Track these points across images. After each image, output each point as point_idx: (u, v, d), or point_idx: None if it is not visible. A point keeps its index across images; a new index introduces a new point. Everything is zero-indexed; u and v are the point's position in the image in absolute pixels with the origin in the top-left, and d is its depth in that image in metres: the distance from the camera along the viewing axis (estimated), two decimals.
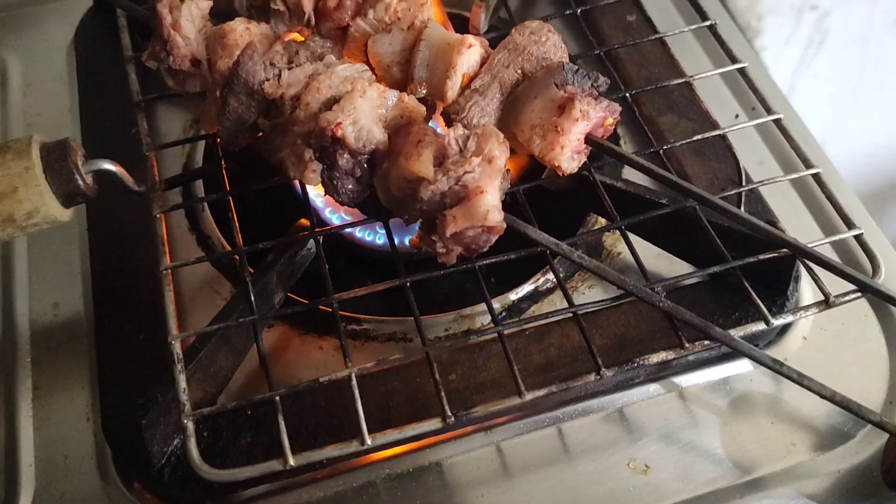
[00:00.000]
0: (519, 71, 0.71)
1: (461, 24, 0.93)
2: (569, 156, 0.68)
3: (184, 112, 0.90)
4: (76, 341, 0.76)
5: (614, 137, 0.89)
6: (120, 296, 0.75)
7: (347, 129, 0.63)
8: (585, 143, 0.70)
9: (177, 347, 0.63)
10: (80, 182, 0.67)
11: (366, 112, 0.64)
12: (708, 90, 0.85)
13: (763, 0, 1.69)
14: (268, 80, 0.66)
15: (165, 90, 0.74)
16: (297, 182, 0.75)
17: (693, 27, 0.85)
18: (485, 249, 0.64)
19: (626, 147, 0.88)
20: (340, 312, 0.66)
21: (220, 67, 0.67)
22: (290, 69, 0.67)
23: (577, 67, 0.69)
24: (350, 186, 0.66)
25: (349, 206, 0.69)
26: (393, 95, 0.66)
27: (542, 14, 0.99)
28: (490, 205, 0.62)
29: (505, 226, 0.63)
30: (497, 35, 0.84)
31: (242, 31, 0.68)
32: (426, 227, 0.65)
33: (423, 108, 0.68)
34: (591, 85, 0.70)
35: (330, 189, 0.66)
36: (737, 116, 0.91)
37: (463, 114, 0.69)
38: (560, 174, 0.69)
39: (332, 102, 0.65)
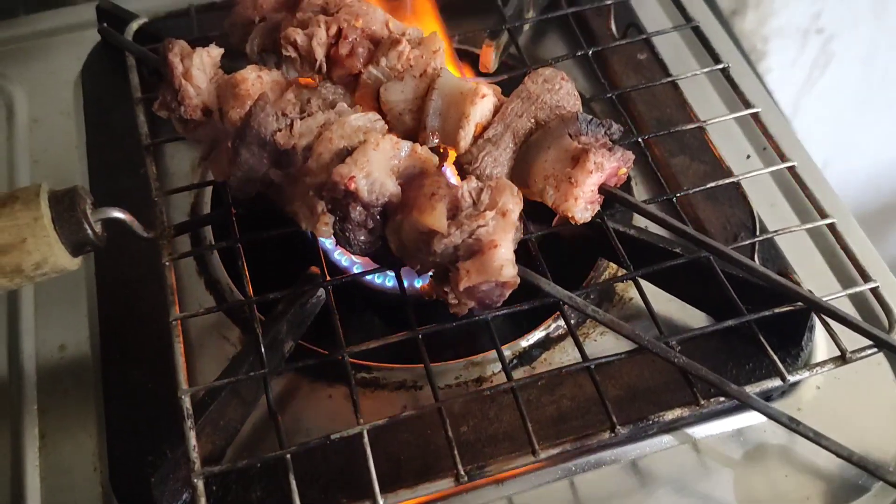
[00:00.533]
0: (532, 120, 0.70)
1: (472, 60, 0.93)
2: (582, 206, 0.68)
3: (191, 151, 0.90)
4: (83, 386, 0.75)
5: (626, 180, 0.88)
6: (128, 342, 0.75)
7: (361, 183, 0.62)
8: (598, 192, 0.69)
9: (187, 403, 0.63)
10: (90, 231, 0.66)
11: (379, 164, 0.64)
12: (719, 128, 0.85)
13: (769, 23, 1.69)
14: (279, 130, 0.65)
15: (174, 133, 0.73)
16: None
17: (706, 70, 0.84)
18: (498, 304, 0.63)
19: (639, 190, 0.87)
20: (350, 360, 0.65)
21: (232, 118, 0.66)
22: (301, 119, 0.66)
23: (590, 117, 0.68)
24: (362, 238, 0.65)
25: (361, 256, 0.68)
26: (406, 146, 0.66)
27: (552, 51, 1.00)
28: (504, 259, 0.61)
29: (518, 280, 0.62)
30: (509, 76, 0.84)
31: (254, 79, 0.67)
32: (438, 277, 0.65)
33: (435, 158, 0.67)
34: (605, 133, 0.70)
35: (342, 240, 0.65)
36: (748, 157, 0.90)
37: (476, 164, 0.69)
38: (573, 223, 0.68)
39: (344, 153, 0.64)
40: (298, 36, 0.70)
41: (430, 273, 0.65)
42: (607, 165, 0.68)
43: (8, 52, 1.00)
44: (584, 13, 0.93)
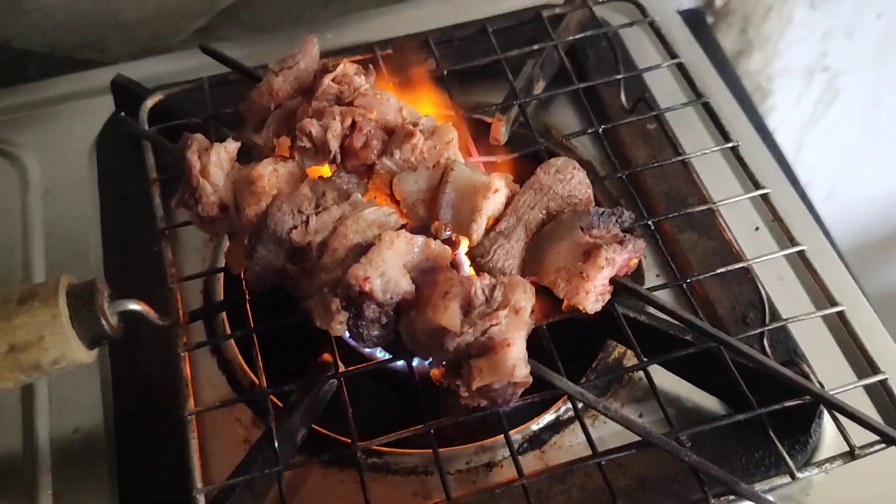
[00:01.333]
0: (544, 211, 0.71)
1: (485, 128, 0.93)
2: (593, 299, 0.69)
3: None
4: (97, 472, 0.75)
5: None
6: (142, 430, 0.75)
7: (375, 283, 0.63)
8: (609, 283, 0.70)
9: (201, 502, 0.63)
10: (106, 326, 0.67)
11: (393, 263, 0.64)
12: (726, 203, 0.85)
13: (774, 63, 1.69)
14: (295, 227, 0.66)
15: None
16: None
17: (717, 148, 0.84)
18: (510, 403, 0.64)
19: (648, 266, 0.88)
20: (363, 443, 0.66)
21: (249, 215, 0.67)
22: (317, 213, 0.67)
23: (602, 210, 0.69)
24: (376, 333, 0.66)
25: (373, 349, 0.69)
26: (419, 241, 0.66)
27: (563, 120, 1.00)
28: (516, 358, 0.62)
29: (531, 380, 0.63)
30: (520, 153, 0.84)
31: (270, 174, 0.68)
32: (451, 371, 0.65)
33: (448, 252, 0.68)
34: (616, 221, 0.70)
35: (356, 335, 0.66)
36: (757, 229, 0.91)
37: (488, 256, 0.69)
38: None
39: (359, 249, 0.65)
40: (314, 127, 0.71)
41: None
42: (618, 259, 0.68)
43: (20, 119, 1.01)
44: (595, 86, 0.94)
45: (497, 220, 0.70)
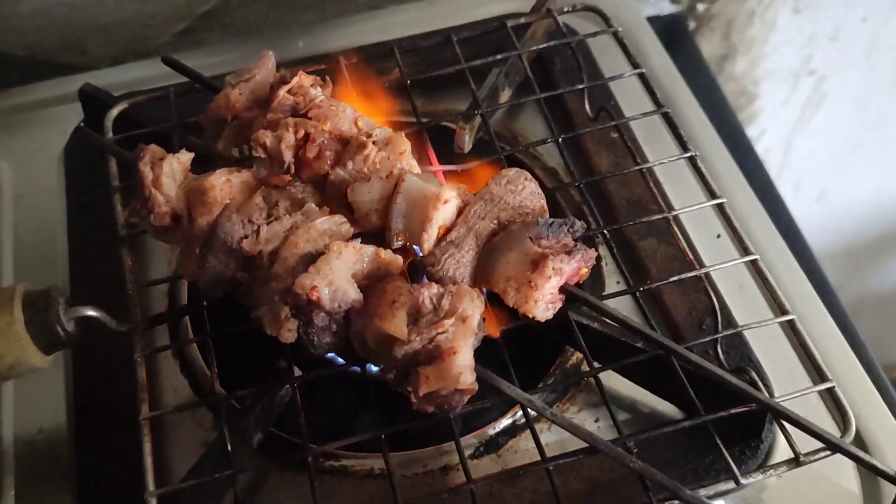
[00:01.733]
0: (495, 221, 0.72)
1: (450, 138, 0.93)
2: (543, 307, 0.69)
3: None
4: (58, 474, 0.77)
5: (596, 262, 0.90)
6: (102, 432, 0.77)
7: (323, 292, 0.64)
8: (560, 292, 0.71)
9: None
10: (62, 332, 0.68)
11: (341, 273, 0.65)
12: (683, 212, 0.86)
13: (760, 65, 1.70)
14: (246, 237, 0.67)
15: None
16: None
17: (674, 158, 0.85)
18: (456, 409, 0.65)
19: (607, 272, 0.89)
20: (314, 448, 0.67)
21: (200, 224, 0.68)
22: (268, 223, 0.68)
23: (551, 221, 0.70)
24: (327, 339, 0.67)
25: (325, 356, 0.70)
26: (369, 251, 0.68)
27: (528, 126, 1.01)
28: (462, 365, 0.63)
29: (476, 387, 0.64)
30: (479, 162, 0.85)
31: (223, 184, 0.69)
32: (399, 377, 0.66)
33: (399, 260, 0.69)
34: (567, 231, 0.71)
35: (307, 342, 0.67)
36: (719, 236, 0.91)
37: (439, 265, 0.70)
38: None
39: (308, 258, 0.66)
40: (268, 139, 0.72)
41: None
42: (566, 269, 0.69)
43: None
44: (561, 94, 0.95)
45: (448, 230, 0.71)
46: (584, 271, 0.71)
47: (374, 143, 0.72)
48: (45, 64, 1.19)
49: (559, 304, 0.71)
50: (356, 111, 0.75)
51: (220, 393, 0.71)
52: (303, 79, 0.74)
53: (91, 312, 0.70)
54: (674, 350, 0.71)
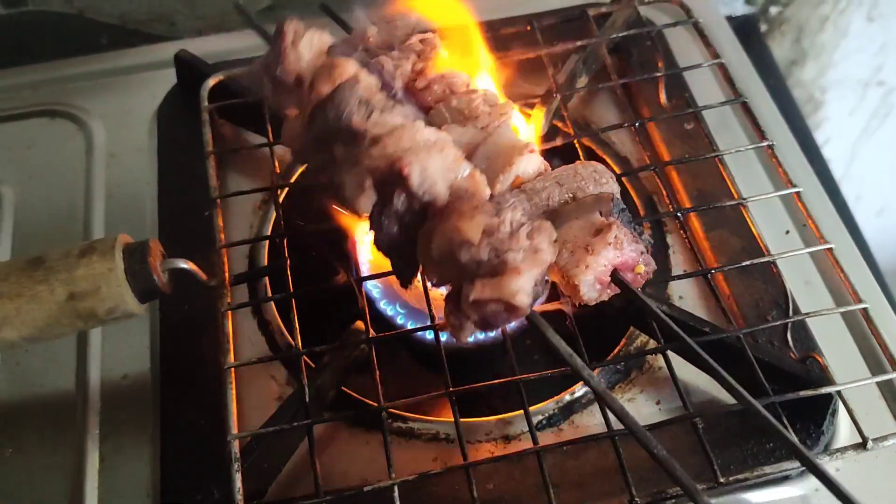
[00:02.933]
0: (570, 195, 0.72)
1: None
2: (591, 280, 0.67)
3: (252, 200, 0.96)
4: (141, 417, 0.81)
5: (663, 247, 0.92)
6: (185, 380, 0.81)
7: (414, 170, 0.64)
8: (613, 281, 0.70)
9: (235, 447, 0.68)
10: (157, 282, 0.72)
11: (437, 166, 0.65)
12: (761, 202, 0.86)
13: (828, 74, 1.69)
14: (356, 114, 0.68)
15: (241, 187, 0.78)
16: (354, 282, 0.79)
17: (751, 146, 0.86)
18: (497, 328, 0.65)
19: (674, 260, 0.90)
20: (386, 404, 0.70)
21: (320, 91, 0.69)
22: (380, 112, 0.69)
23: (624, 207, 0.71)
24: (394, 230, 0.66)
25: (384, 253, 0.69)
26: (467, 167, 0.67)
27: (602, 114, 1.03)
28: (522, 287, 0.62)
29: (528, 311, 0.63)
30: (562, 142, 0.87)
31: (353, 71, 0.70)
32: (452, 298, 0.66)
33: (487, 190, 0.68)
34: (634, 228, 0.71)
35: (375, 225, 0.67)
36: (787, 232, 0.92)
37: (506, 204, 0.70)
38: (575, 300, 0.69)
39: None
40: (388, 64, 0.74)
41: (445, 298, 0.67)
42: (627, 247, 0.68)
43: (89, 87, 1.07)
44: (636, 82, 0.97)
45: (523, 183, 0.72)
46: (641, 268, 0.70)
47: (483, 99, 0.73)
48: (134, 33, 1.24)
49: (606, 293, 0.69)
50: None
51: (298, 348, 0.74)
52: (435, 37, 0.77)
53: (184, 265, 0.74)
54: (743, 335, 0.72)
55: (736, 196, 0.84)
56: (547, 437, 0.80)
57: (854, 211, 1.13)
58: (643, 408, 0.82)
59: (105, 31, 1.21)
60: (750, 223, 0.82)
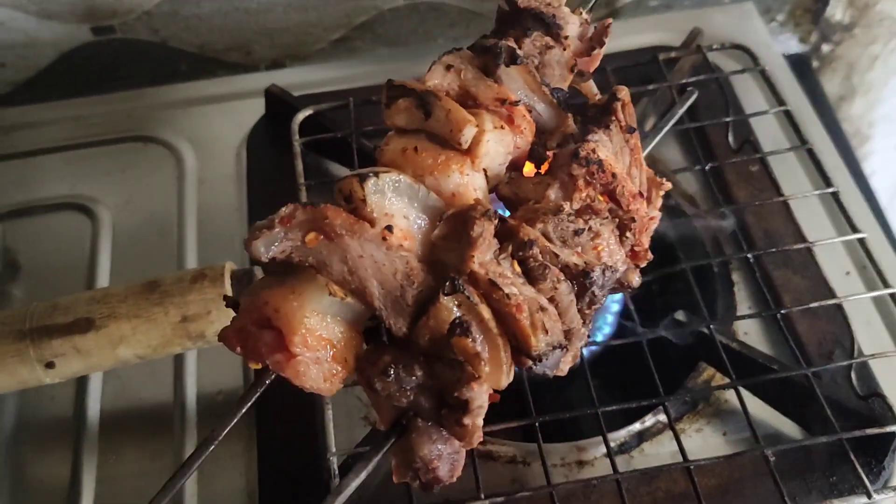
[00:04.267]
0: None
1: None
2: None
3: None
4: (236, 430, 0.85)
5: (729, 284, 0.96)
6: (278, 397, 0.85)
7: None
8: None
9: (335, 463, 0.73)
10: None
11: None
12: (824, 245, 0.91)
13: (876, 109, 1.72)
14: None
15: None
16: None
17: (817, 192, 0.91)
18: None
19: (740, 297, 0.94)
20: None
21: None
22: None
23: None
24: None
25: None
26: None
27: (670, 154, 1.07)
28: None
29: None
30: None
31: None
32: None
33: None
34: None
35: None
36: (847, 273, 0.96)
37: None
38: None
39: None
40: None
41: None
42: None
43: (179, 115, 1.13)
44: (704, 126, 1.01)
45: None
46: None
47: None
48: (212, 60, 1.30)
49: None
50: None
51: None
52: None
53: None
54: (811, 373, 0.76)
55: (803, 238, 0.88)
56: (619, 463, 0.84)
57: None
58: (710, 438, 0.86)
59: (184, 59, 1.28)
60: (817, 264, 0.86)
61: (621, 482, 0.72)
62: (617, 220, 0.66)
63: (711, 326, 0.82)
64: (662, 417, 0.86)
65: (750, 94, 1.09)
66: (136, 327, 0.76)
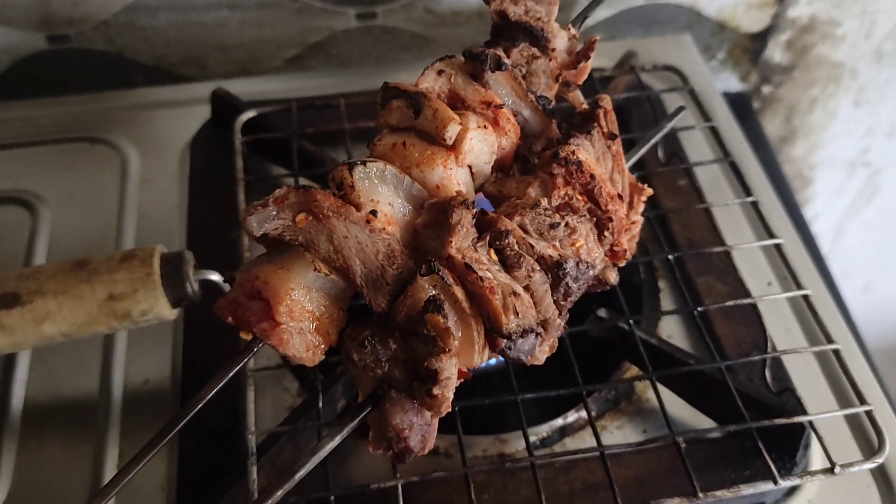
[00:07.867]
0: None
1: None
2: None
3: None
4: (161, 418, 0.86)
5: (655, 290, 0.99)
6: (205, 383, 0.86)
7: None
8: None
9: (252, 442, 0.74)
10: (190, 289, 0.78)
11: None
12: (746, 257, 0.94)
13: (817, 153, 1.77)
14: None
15: None
16: None
17: (737, 201, 0.94)
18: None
19: (665, 301, 0.97)
20: None
21: None
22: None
23: None
24: None
25: None
26: None
27: None
28: None
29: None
30: None
31: None
32: None
33: None
34: None
35: None
36: (769, 284, 0.99)
37: None
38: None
39: None
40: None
41: None
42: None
43: (127, 118, 1.15)
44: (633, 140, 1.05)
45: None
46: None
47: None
48: (167, 73, 1.32)
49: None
50: None
51: None
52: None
53: (214, 277, 0.81)
54: (725, 367, 0.79)
55: (723, 243, 0.91)
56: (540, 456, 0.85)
57: (839, 287, 1.20)
58: (631, 436, 0.87)
59: (140, 71, 1.30)
60: (736, 268, 0.90)
61: (536, 467, 0.74)
62: (595, 219, 0.70)
63: (630, 322, 0.84)
64: (584, 414, 0.88)
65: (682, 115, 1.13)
66: (63, 304, 0.77)
